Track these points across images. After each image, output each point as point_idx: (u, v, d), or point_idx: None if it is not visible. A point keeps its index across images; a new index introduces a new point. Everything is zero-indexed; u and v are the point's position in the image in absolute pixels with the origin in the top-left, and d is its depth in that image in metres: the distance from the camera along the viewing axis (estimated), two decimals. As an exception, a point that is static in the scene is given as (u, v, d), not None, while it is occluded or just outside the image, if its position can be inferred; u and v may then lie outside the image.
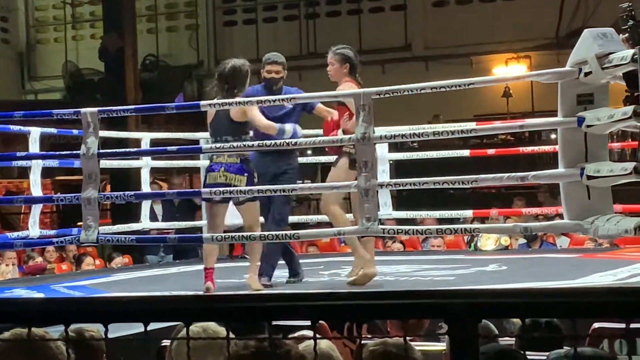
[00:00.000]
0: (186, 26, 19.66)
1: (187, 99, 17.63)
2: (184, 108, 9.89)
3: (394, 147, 11.73)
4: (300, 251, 11.53)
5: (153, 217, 11.05)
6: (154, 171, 10.87)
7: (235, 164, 7.56)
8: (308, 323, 1.78)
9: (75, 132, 8.78)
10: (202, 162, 10.47)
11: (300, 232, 8.14)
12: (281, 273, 8.17)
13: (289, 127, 7.74)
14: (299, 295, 1.67)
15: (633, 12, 6.36)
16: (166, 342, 4.10)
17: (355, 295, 1.58)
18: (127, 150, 9.06)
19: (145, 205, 9.95)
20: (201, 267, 9.04)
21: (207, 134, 10.36)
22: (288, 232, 7.66)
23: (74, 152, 7.74)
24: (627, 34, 6.40)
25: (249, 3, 19.40)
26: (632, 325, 4.40)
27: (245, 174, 7.53)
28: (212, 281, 7.40)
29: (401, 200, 15.06)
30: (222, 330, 3.57)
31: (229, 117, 7.57)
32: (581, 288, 1.62)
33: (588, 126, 6.24)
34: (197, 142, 10.17)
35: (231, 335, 3.50)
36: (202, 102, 7.95)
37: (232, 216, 9.96)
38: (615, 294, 1.59)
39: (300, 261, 9.15)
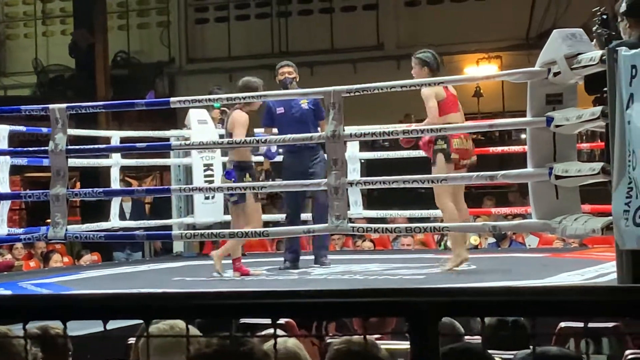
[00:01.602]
0: (157, 23, 19.58)
1: (158, 96, 17.56)
2: (153, 105, 9.86)
3: (366, 146, 11.74)
4: (271, 249, 11.52)
5: (123, 216, 11.01)
6: (125, 169, 10.83)
7: (229, 170, 8.00)
8: (276, 321, 1.78)
9: (44, 130, 8.73)
10: (173, 160, 10.45)
11: (270, 229, 8.15)
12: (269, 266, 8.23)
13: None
14: (259, 293, 1.66)
15: (604, 17, 6.39)
16: (133, 340, 4.09)
17: (315, 293, 1.57)
18: (96, 147, 9.02)
19: (115, 204, 9.91)
20: (171, 264, 9.03)
21: (177, 132, 10.37)
22: (257, 230, 7.65)
23: (42, 148, 7.70)
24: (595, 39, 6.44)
25: (221, 1, 19.36)
26: (598, 325, 4.41)
27: (232, 179, 7.88)
28: (241, 269, 8.00)
29: (372, 199, 15.07)
30: (190, 328, 3.56)
31: (226, 128, 8.07)
32: (541, 287, 1.62)
33: (557, 126, 6.27)
34: (167, 139, 10.13)
35: (197, 332, 3.50)
36: (171, 99, 7.94)
37: (204, 214, 9.96)
38: (576, 292, 1.60)
39: (272, 259, 9.17)
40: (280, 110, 8.56)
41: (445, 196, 7.61)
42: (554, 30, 6.45)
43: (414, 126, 8.16)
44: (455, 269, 7.65)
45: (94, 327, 2.48)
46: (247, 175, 7.96)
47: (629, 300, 1.63)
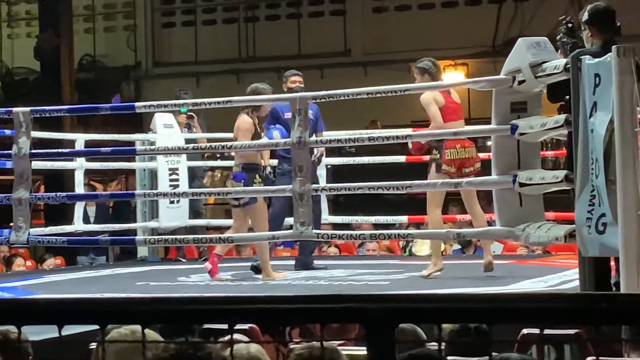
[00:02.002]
0: (124, 27, 19.49)
1: (124, 100, 17.48)
2: (118, 109, 9.81)
3: (332, 152, 11.74)
4: (234, 254, 11.48)
5: (87, 220, 10.95)
6: (90, 173, 10.77)
7: (237, 173, 8.03)
8: (237, 326, 1.77)
9: (7, 132, 8.67)
10: (138, 164, 10.41)
11: (235, 235, 8.13)
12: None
13: (275, 133, 8.12)
14: (216, 298, 1.65)
15: (569, 25, 6.43)
16: (96, 345, 4.06)
17: (272, 299, 1.57)
18: (60, 150, 8.96)
19: (79, 207, 9.85)
20: (135, 269, 8.98)
21: (143, 136, 10.33)
22: (222, 235, 7.64)
23: (5, 152, 7.64)
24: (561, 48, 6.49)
25: (188, 5, 19.29)
26: (559, 331, 4.43)
27: (242, 181, 7.92)
28: (214, 264, 8.08)
29: (338, 205, 15.07)
30: (151, 333, 3.54)
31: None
32: (498, 294, 1.62)
33: (521, 134, 6.30)
34: (132, 143, 10.09)
35: (158, 337, 3.48)
36: (137, 104, 7.91)
37: (169, 219, 9.92)
38: (532, 300, 1.60)
39: (235, 265, 9.14)
40: (288, 115, 8.54)
41: (435, 205, 7.67)
42: (519, 39, 6.49)
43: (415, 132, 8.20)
44: (427, 275, 7.72)
45: (55, 331, 2.46)
46: (257, 176, 7.98)
47: (590, 307, 1.64)
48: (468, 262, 9.35)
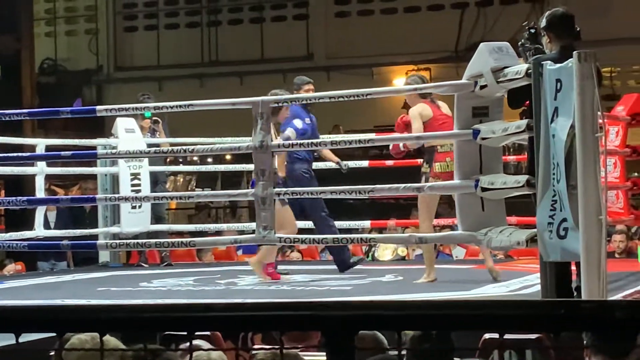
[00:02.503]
0: (86, 30, 19.39)
1: (86, 104, 17.38)
2: (79, 113, 9.74)
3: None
4: (194, 259, 11.43)
5: (48, 225, 10.86)
6: (51, 178, 10.68)
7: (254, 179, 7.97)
8: (199, 333, 1.75)
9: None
10: (99, 169, 10.34)
11: (197, 239, 8.10)
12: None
13: (288, 131, 8.32)
14: (176, 306, 1.63)
15: (532, 31, 6.46)
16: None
17: (230, 306, 1.55)
18: (20, 155, 8.88)
19: (40, 213, 9.76)
20: (97, 274, 8.92)
21: (104, 140, 10.25)
22: (184, 240, 7.60)
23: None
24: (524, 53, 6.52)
25: (150, 9, 19.22)
26: (521, 336, 4.43)
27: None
28: (272, 274, 8.17)
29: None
30: (112, 340, 3.51)
31: None
32: (455, 301, 1.61)
33: (483, 139, 6.31)
34: (94, 148, 10.02)
35: (119, 344, 3.45)
36: (98, 107, 7.85)
37: (130, 224, 9.86)
38: (486, 307, 1.59)
39: (197, 270, 9.10)
40: (307, 120, 8.72)
41: (425, 217, 7.69)
42: (481, 44, 6.50)
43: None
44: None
45: (12, 339, 2.43)
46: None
47: (549, 314, 1.63)
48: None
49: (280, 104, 7.77)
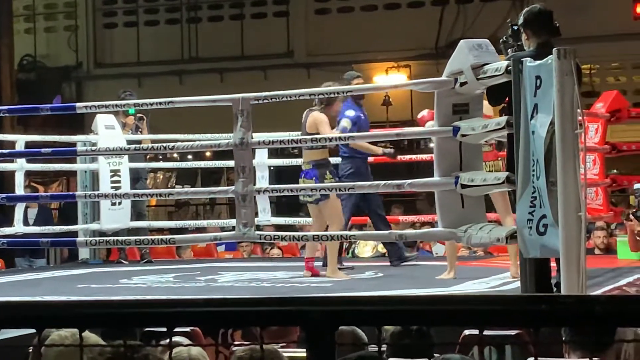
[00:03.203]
0: (65, 27, 19.31)
1: (65, 100, 17.32)
2: (59, 110, 9.71)
3: (274, 153, 11.72)
4: (174, 256, 11.42)
5: (28, 222, 10.82)
6: (31, 175, 10.63)
7: (308, 170, 8.03)
8: (179, 328, 1.75)
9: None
10: (79, 166, 10.31)
11: (177, 237, 8.09)
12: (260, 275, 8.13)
13: (343, 122, 8.36)
14: (156, 302, 1.63)
15: (514, 28, 6.48)
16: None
17: (210, 302, 1.55)
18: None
19: (19, 209, 9.73)
20: (77, 271, 8.89)
21: (84, 137, 10.23)
22: (164, 237, 7.58)
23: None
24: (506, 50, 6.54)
25: (130, 5, 19.17)
26: (500, 332, 4.45)
27: (314, 178, 7.93)
28: (311, 269, 8.17)
29: (281, 206, 15.06)
30: (92, 336, 3.50)
31: (305, 128, 8.13)
32: (435, 297, 1.62)
33: (463, 135, 6.32)
34: (74, 145, 9.99)
35: (99, 340, 3.44)
36: (77, 104, 7.82)
37: (110, 220, 9.83)
38: (465, 302, 1.60)
39: (177, 267, 9.08)
40: (361, 115, 8.80)
41: (504, 210, 7.63)
42: (461, 41, 6.52)
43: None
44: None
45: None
46: (327, 172, 8.01)
47: (529, 310, 1.64)
48: (411, 263, 9.35)
49: (262, 99, 7.75)
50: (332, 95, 7.71)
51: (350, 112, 8.56)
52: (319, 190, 7.77)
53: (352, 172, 8.76)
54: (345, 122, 8.39)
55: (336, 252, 8.21)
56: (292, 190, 7.40)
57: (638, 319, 1.53)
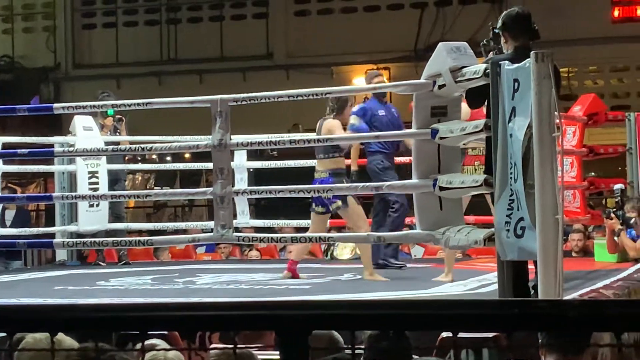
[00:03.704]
0: (43, 27, 19.22)
1: (44, 101, 17.24)
2: (37, 111, 9.66)
3: (254, 155, 11.70)
4: (152, 258, 11.38)
5: (4, 223, 10.77)
6: (8, 176, 10.57)
7: (323, 179, 7.97)
8: (156, 332, 1.74)
9: None
10: (57, 167, 10.27)
11: (154, 238, 8.06)
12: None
13: (351, 119, 8.22)
14: (131, 306, 1.62)
15: (496, 31, 6.50)
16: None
17: (181, 306, 1.54)
18: (-24, 152, 8.79)
19: (-4, 211, 9.70)
20: (54, 273, 8.83)
21: (62, 138, 10.18)
22: (142, 239, 7.56)
23: None
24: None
25: (109, 6, 19.09)
26: (478, 335, 4.45)
27: None
28: (293, 271, 8.19)
29: (260, 208, 15.03)
30: (67, 339, 3.48)
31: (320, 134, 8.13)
32: (410, 301, 1.61)
33: (441, 138, 6.33)
34: (51, 146, 9.94)
35: (75, 343, 3.42)
36: (55, 105, 7.79)
37: (88, 222, 9.79)
38: (440, 306, 1.59)
39: (155, 268, 9.04)
40: (381, 112, 8.86)
41: None
42: (440, 44, 6.52)
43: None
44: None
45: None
46: (344, 181, 7.99)
47: (503, 314, 1.64)
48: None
49: (241, 101, 7.74)
50: (343, 97, 7.82)
51: (355, 108, 8.50)
52: (332, 198, 7.76)
53: (385, 167, 8.79)
54: (353, 119, 8.33)
55: (369, 254, 8.12)
56: (270, 192, 7.37)
57: (611, 324, 1.53)
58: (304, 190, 7.22)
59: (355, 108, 8.48)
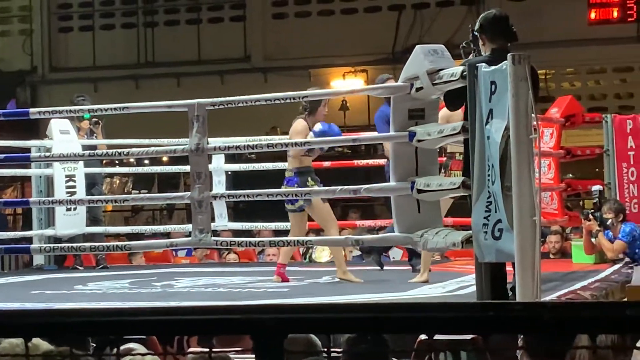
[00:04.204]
0: (20, 31, 19.13)
1: (20, 105, 17.16)
2: (12, 115, 9.62)
3: (231, 158, 11.68)
4: (131, 262, 11.34)
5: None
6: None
7: (289, 177, 7.98)
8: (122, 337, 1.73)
9: None
10: (34, 171, 10.22)
11: (132, 243, 8.04)
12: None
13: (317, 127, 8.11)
14: (107, 311, 1.61)
15: (475, 33, 6.52)
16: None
17: (157, 311, 1.54)
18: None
19: (-27, 215, 9.65)
20: (31, 277, 8.80)
21: (39, 142, 10.13)
22: (119, 244, 7.53)
23: None
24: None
25: (85, 9, 19.02)
26: (456, 337, 4.45)
27: (295, 184, 7.87)
28: (282, 275, 8.10)
29: (238, 211, 15.01)
30: (43, 344, 3.46)
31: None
32: (387, 304, 1.61)
33: (419, 141, 6.34)
34: (28, 150, 9.90)
35: (51, 347, 3.40)
36: (31, 110, 7.77)
37: (66, 226, 9.75)
38: (417, 309, 1.59)
39: (133, 272, 9.01)
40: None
41: None
42: (417, 46, 6.53)
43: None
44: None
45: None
46: (309, 179, 7.94)
47: (479, 317, 1.64)
48: (368, 268, 9.37)
49: (218, 105, 7.73)
50: (314, 100, 7.76)
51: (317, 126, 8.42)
52: (303, 196, 7.74)
53: None
54: (318, 124, 8.28)
55: (342, 253, 8.18)
56: (248, 196, 7.37)
57: (587, 326, 1.54)
58: (282, 194, 7.22)
59: (377, 112, 8.49)
